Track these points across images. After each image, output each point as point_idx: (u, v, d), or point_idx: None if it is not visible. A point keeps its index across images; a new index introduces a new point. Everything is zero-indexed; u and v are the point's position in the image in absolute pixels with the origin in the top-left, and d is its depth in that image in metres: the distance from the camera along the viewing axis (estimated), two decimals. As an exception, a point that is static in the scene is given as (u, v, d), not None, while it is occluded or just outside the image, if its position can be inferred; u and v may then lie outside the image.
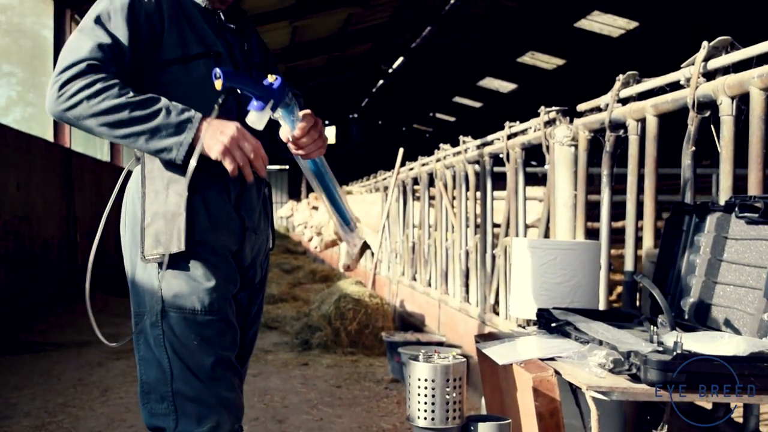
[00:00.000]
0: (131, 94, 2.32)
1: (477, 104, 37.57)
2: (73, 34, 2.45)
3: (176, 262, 2.45)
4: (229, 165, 2.35)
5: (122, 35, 2.41)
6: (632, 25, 21.75)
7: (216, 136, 2.34)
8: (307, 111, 2.48)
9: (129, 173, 2.61)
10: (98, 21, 2.41)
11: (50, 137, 13.13)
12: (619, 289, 7.40)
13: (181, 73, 2.49)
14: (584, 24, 22.62)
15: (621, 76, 3.81)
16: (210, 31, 2.60)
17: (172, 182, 2.46)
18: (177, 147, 2.33)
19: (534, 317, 3.08)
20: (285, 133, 2.48)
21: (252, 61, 2.76)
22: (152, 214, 2.46)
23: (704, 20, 19.98)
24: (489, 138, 5.93)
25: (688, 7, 19.54)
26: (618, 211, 4.36)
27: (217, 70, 2.31)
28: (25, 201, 10.37)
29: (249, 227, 2.63)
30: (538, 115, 4.86)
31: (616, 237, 4.75)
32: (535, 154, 5.23)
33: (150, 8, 2.47)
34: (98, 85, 2.30)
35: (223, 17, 2.67)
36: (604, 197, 3.99)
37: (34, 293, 10.69)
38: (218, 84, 2.31)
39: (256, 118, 2.38)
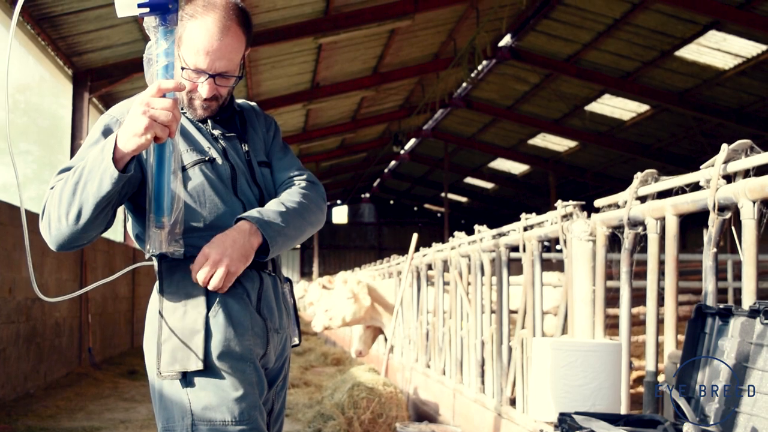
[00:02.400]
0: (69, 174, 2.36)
1: (489, 185, 37.78)
2: None
3: (203, 373, 2.43)
4: (160, 132, 2.22)
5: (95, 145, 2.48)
6: (643, 108, 21.96)
7: (127, 128, 2.24)
8: None
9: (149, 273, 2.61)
10: (82, 144, 2.53)
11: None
12: (634, 374, 7.32)
13: (178, 183, 2.49)
14: (595, 107, 22.85)
15: (639, 174, 3.81)
16: (203, 138, 2.62)
17: (190, 297, 2.46)
18: (105, 169, 2.26)
19: (554, 419, 3.02)
20: (152, 73, 2.34)
21: (258, 161, 2.74)
22: (170, 330, 2.45)
23: (716, 106, 20.19)
24: (505, 229, 5.92)
25: (699, 93, 19.73)
26: (637, 294, 4.32)
27: None
28: (38, 283, 10.38)
29: (271, 328, 2.61)
30: (552, 205, 4.86)
31: (634, 319, 4.74)
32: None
33: None
34: (50, 197, 2.36)
35: (211, 124, 2.66)
36: (624, 295, 3.96)
37: (44, 376, 10.63)
38: None
39: (122, 2, 2.23)
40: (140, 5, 2.22)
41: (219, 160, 2.59)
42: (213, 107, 2.60)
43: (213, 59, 2.48)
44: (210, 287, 2.44)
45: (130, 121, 2.23)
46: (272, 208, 2.58)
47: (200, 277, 2.42)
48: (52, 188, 2.39)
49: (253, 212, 2.53)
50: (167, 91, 2.25)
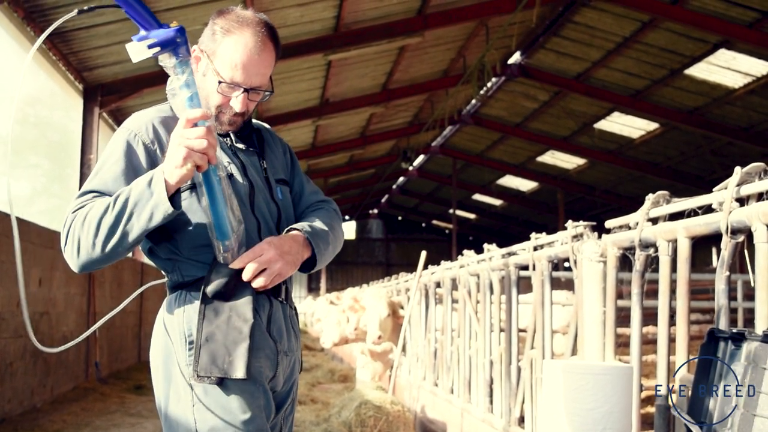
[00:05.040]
0: (107, 201, 2.33)
1: (497, 202, 37.74)
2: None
3: (213, 392, 2.40)
4: (199, 161, 2.27)
5: (116, 162, 2.47)
6: (652, 126, 21.93)
7: (168, 162, 2.29)
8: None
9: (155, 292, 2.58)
10: (99, 164, 2.50)
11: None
12: (644, 394, 7.27)
13: (193, 199, 2.49)
14: (604, 125, 22.84)
15: (651, 196, 3.79)
16: (222, 153, 2.60)
17: (235, 306, 2.43)
18: (157, 204, 2.28)
19: (565, 443, 3.00)
20: (178, 105, 2.40)
21: (276, 178, 2.73)
22: (209, 333, 2.41)
23: (725, 125, 20.16)
24: (514, 248, 5.90)
25: (708, 111, 19.70)
26: (648, 313, 4.30)
27: None
28: (46, 297, 10.39)
29: (281, 350, 2.59)
30: (560, 223, 4.84)
31: (645, 337, 4.73)
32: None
33: (150, 140, 2.51)
34: (79, 221, 2.33)
35: (233, 138, 2.67)
36: (635, 316, 3.94)
37: (51, 390, 10.61)
38: None
39: (134, 48, 2.31)
40: (150, 46, 2.29)
41: (238, 176, 2.59)
42: (238, 122, 2.62)
43: (250, 74, 2.51)
44: (255, 284, 2.43)
45: (169, 155, 2.28)
46: (320, 226, 2.64)
47: (249, 269, 2.42)
48: (75, 211, 2.37)
49: (306, 226, 2.59)
50: (196, 120, 2.28)
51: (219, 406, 2.40)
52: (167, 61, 2.34)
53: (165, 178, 2.28)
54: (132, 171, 2.45)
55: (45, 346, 2.37)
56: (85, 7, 2.41)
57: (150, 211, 2.27)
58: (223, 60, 2.50)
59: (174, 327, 2.49)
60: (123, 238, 2.30)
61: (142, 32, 2.30)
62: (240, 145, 2.66)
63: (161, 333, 2.52)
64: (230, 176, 2.56)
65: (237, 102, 2.54)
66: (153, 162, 2.49)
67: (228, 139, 2.65)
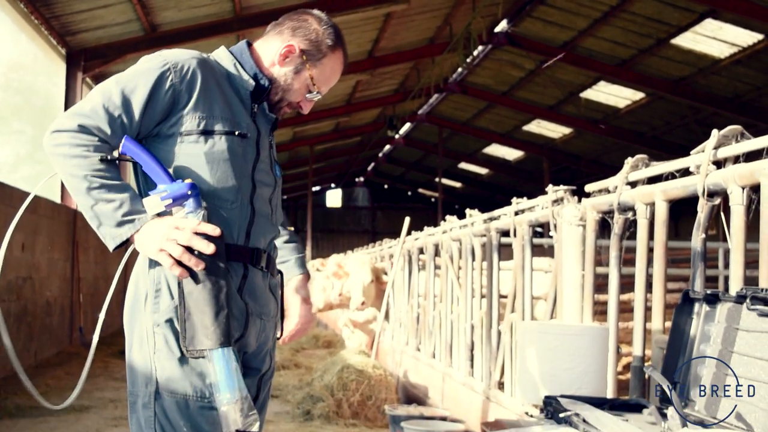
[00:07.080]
0: (103, 172, 2.35)
1: (483, 171, 37.76)
2: (99, 85, 2.49)
3: (173, 342, 2.42)
4: (164, 261, 2.37)
5: (137, 102, 2.42)
6: (638, 96, 21.94)
7: (147, 238, 2.37)
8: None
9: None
10: (119, 81, 2.45)
11: (57, 197, 13.17)
12: (624, 360, 7.34)
13: (199, 145, 2.48)
14: (590, 94, 22.82)
15: (630, 159, 3.81)
16: (246, 116, 2.61)
17: (210, 274, 2.40)
18: (111, 238, 2.38)
19: (541, 403, 3.03)
20: None
21: (275, 158, 2.80)
22: (191, 306, 2.39)
23: (711, 95, 20.18)
24: (496, 213, 5.92)
25: (694, 81, 19.71)
26: (626, 280, 4.34)
27: (126, 136, 2.40)
28: (29, 262, 10.37)
29: (253, 312, 2.59)
30: (545, 192, 4.87)
31: (624, 306, 4.77)
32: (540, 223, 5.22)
33: (180, 79, 2.47)
34: (77, 150, 2.34)
35: (266, 106, 2.70)
36: (612, 279, 3.97)
37: (35, 355, 10.62)
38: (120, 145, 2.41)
39: (150, 201, 2.40)
40: (163, 198, 2.38)
41: (251, 140, 2.61)
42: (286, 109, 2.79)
43: (330, 86, 2.79)
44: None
45: (152, 238, 2.37)
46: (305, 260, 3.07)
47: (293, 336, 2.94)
48: (80, 125, 2.36)
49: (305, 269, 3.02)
50: (203, 232, 2.39)
51: (180, 357, 2.42)
52: (180, 213, 2.42)
53: (135, 235, 2.38)
54: (153, 105, 2.45)
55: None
56: (107, 157, 2.41)
57: (100, 231, 2.39)
58: (323, 73, 2.72)
59: (147, 277, 2.51)
60: (74, 198, 2.38)
61: (159, 187, 2.41)
62: (270, 115, 2.72)
63: (133, 282, 2.57)
64: (243, 136, 2.57)
65: (308, 106, 2.78)
66: (174, 101, 2.48)
67: (256, 105, 2.67)
